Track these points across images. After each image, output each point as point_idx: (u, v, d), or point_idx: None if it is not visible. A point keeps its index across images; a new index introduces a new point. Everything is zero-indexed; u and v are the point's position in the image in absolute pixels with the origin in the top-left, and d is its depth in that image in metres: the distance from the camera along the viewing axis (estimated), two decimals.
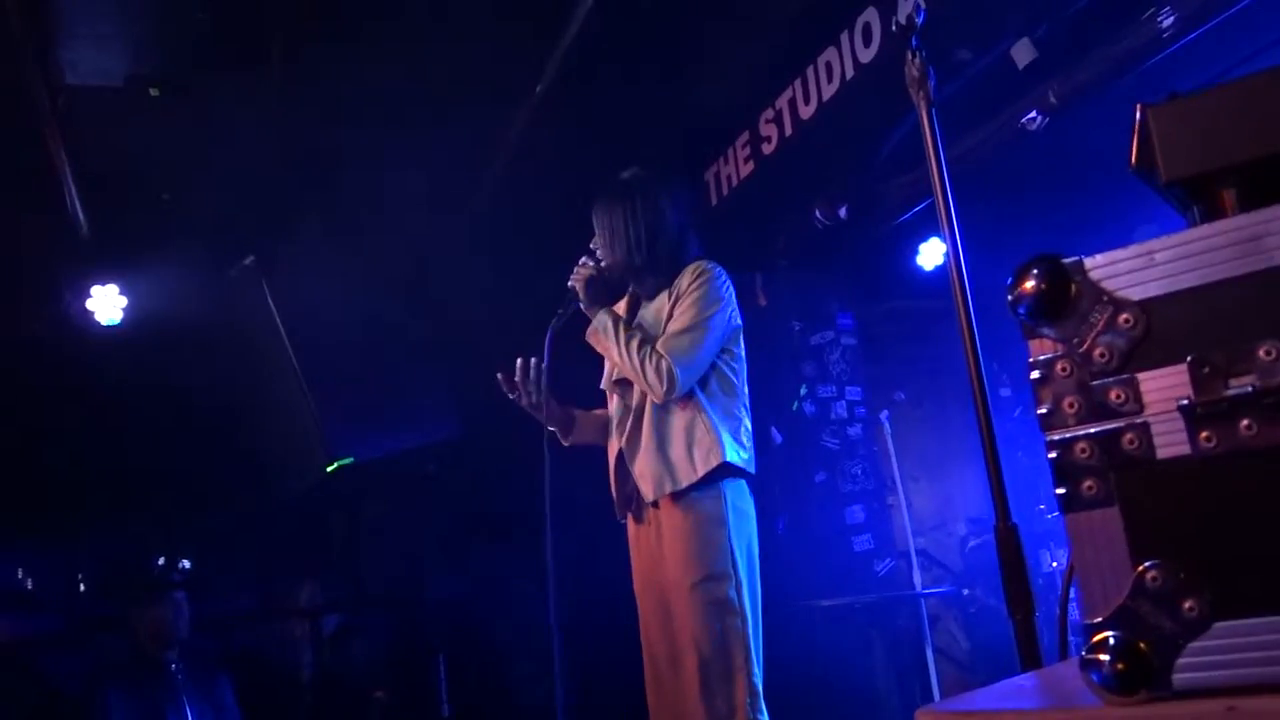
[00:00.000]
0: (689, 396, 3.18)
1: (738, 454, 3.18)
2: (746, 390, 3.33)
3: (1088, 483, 0.97)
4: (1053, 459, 1.00)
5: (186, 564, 5.70)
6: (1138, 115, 1.12)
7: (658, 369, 3.12)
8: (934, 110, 2.02)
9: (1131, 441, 0.96)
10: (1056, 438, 1.00)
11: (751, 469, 3.26)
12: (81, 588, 6.23)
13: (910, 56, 2.04)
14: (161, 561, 5.68)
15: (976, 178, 5.25)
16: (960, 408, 7.37)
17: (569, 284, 3.34)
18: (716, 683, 3.05)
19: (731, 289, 3.31)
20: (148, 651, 4.85)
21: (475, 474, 6.16)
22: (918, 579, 6.18)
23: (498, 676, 6.10)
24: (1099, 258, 0.98)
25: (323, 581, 6.38)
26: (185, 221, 5.45)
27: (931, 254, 6.54)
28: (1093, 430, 0.98)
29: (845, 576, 6.27)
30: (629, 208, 3.32)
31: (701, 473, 3.12)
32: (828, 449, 6.55)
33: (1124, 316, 0.96)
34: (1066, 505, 0.99)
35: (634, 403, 3.30)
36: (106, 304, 5.61)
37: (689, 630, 3.09)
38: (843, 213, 5.83)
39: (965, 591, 6.78)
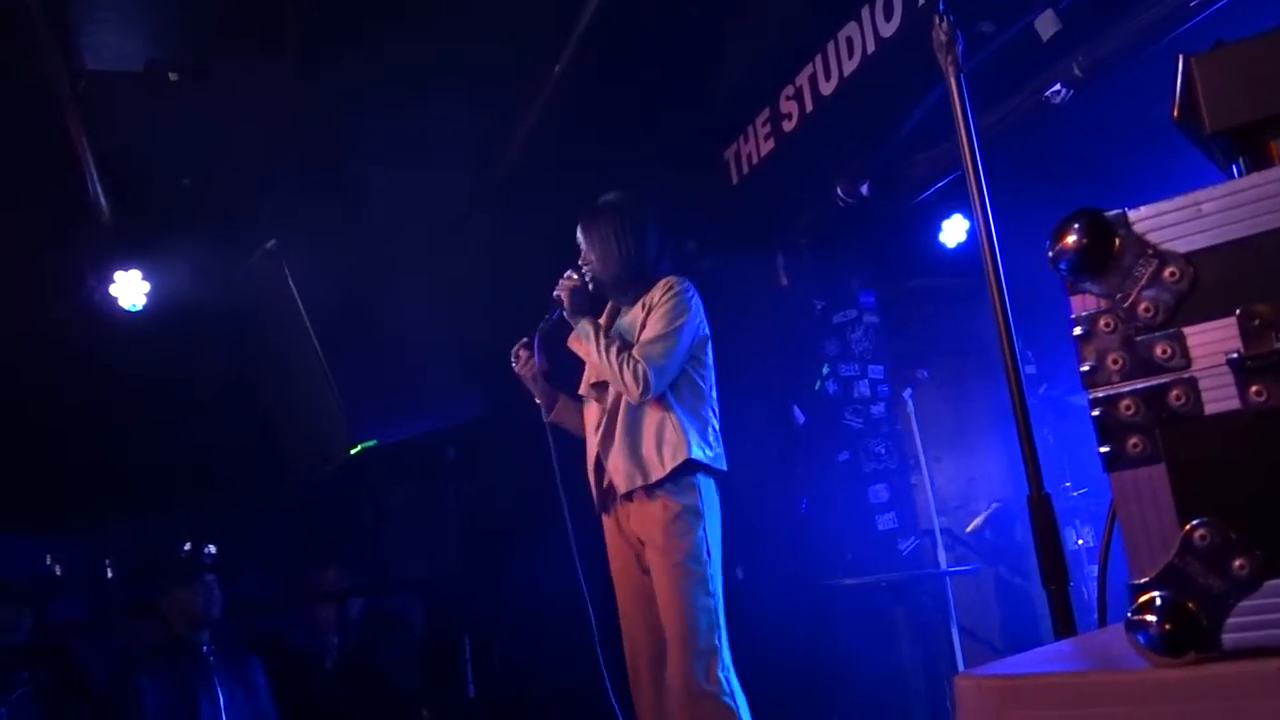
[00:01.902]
0: (660, 399, 3.47)
1: (703, 451, 3.45)
2: (714, 395, 3.62)
3: (1133, 440, 0.96)
4: (1096, 416, 0.98)
5: (213, 549, 5.71)
6: (1180, 66, 1.09)
7: (634, 372, 3.40)
8: (963, 76, 1.98)
9: (1178, 397, 0.94)
10: (1100, 395, 0.98)
11: (720, 465, 3.52)
12: (109, 574, 6.25)
13: (938, 21, 2.01)
14: (188, 546, 5.69)
15: (1000, 153, 5.20)
16: (983, 385, 7.32)
17: (554, 294, 3.65)
18: (696, 659, 3.30)
19: (699, 302, 3.62)
20: (179, 635, 4.89)
21: (496, 455, 6.16)
22: (942, 557, 6.16)
23: (523, 657, 6.10)
24: (1143, 209, 0.96)
25: (348, 565, 6.39)
26: (206, 205, 5.45)
27: (954, 231, 6.49)
28: (1138, 386, 0.95)
29: (869, 555, 6.25)
30: (618, 224, 3.65)
31: (669, 468, 3.39)
32: (851, 428, 6.52)
33: (1169, 270, 0.94)
34: (1111, 463, 0.97)
35: (609, 405, 3.57)
36: (129, 289, 5.63)
37: (671, 610, 3.35)
38: (865, 190, 5.79)
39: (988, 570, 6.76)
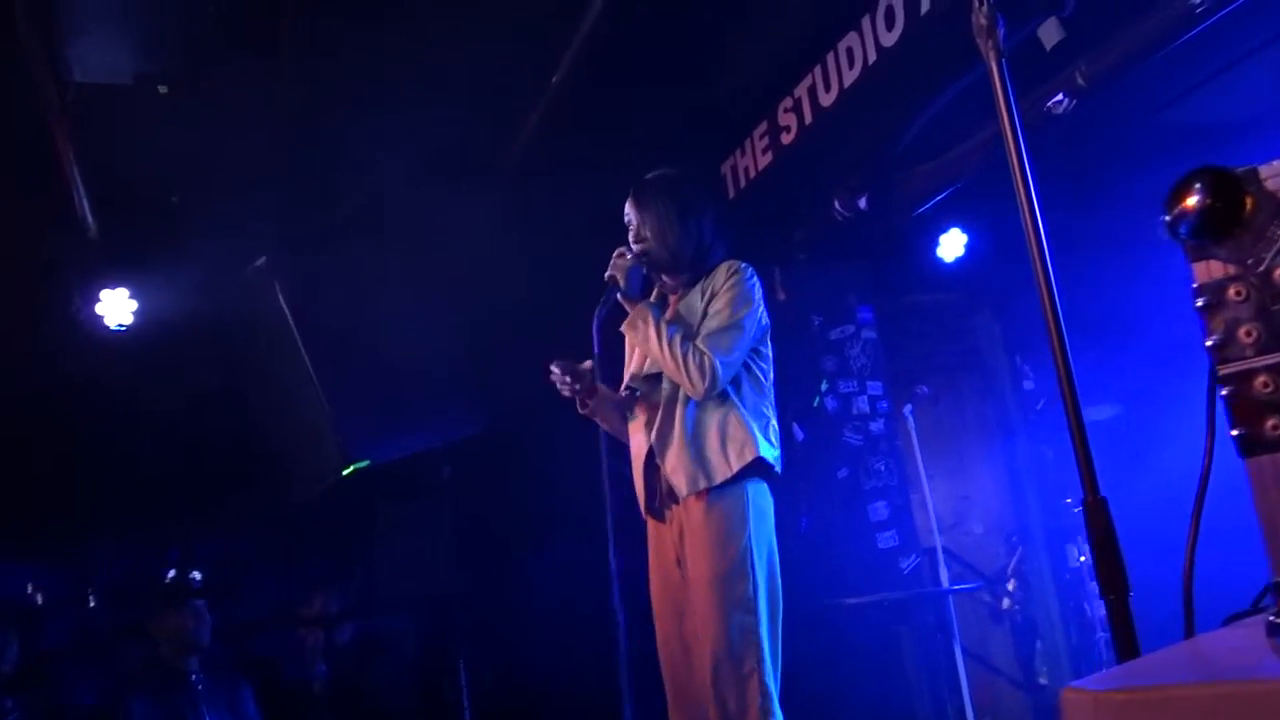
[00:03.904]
0: (722, 394, 3.21)
1: (770, 450, 3.22)
2: (773, 390, 3.37)
3: (1272, 420, 0.87)
4: (1226, 396, 0.89)
5: (197, 575, 5.59)
6: None
7: (700, 365, 3.14)
8: (1004, 61, 1.91)
9: None
10: (1231, 371, 0.89)
11: (779, 468, 3.28)
12: (91, 603, 6.13)
13: (977, 5, 1.93)
14: (172, 574, 5.57)
15: (1002, 166, 5.15)
16: (977, 402, 7.27)
17: (608, 275, 3.33)
18: (729, 681, 3.06)
19: (762, 289, 3.36)
20: (169, 660, 4.77)
21: (492, 473, 6.06)
22: (944, 576, 6.08)
23: (520, 681, 5.99)
24: (1277, 163, 0.87)
25: (338, 588, 6.27)
26: (195, 222, 5.34)
27: (952, 245, 6.45)
28: (1276, 360, 0.87)
29: (870, 574, 6.17)
30: (682, 201, 3.40)
31: (736, 468, 3.15)
32: (850, 445, 6.45)
33: None
34: (1245, 448, 0.89)
35: (663, 398, 3.30)
36: (116, 307, 5.51)
37: (706, 627, 3.12)
38: (862, 203, 5.73)
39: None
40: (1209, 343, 0.91)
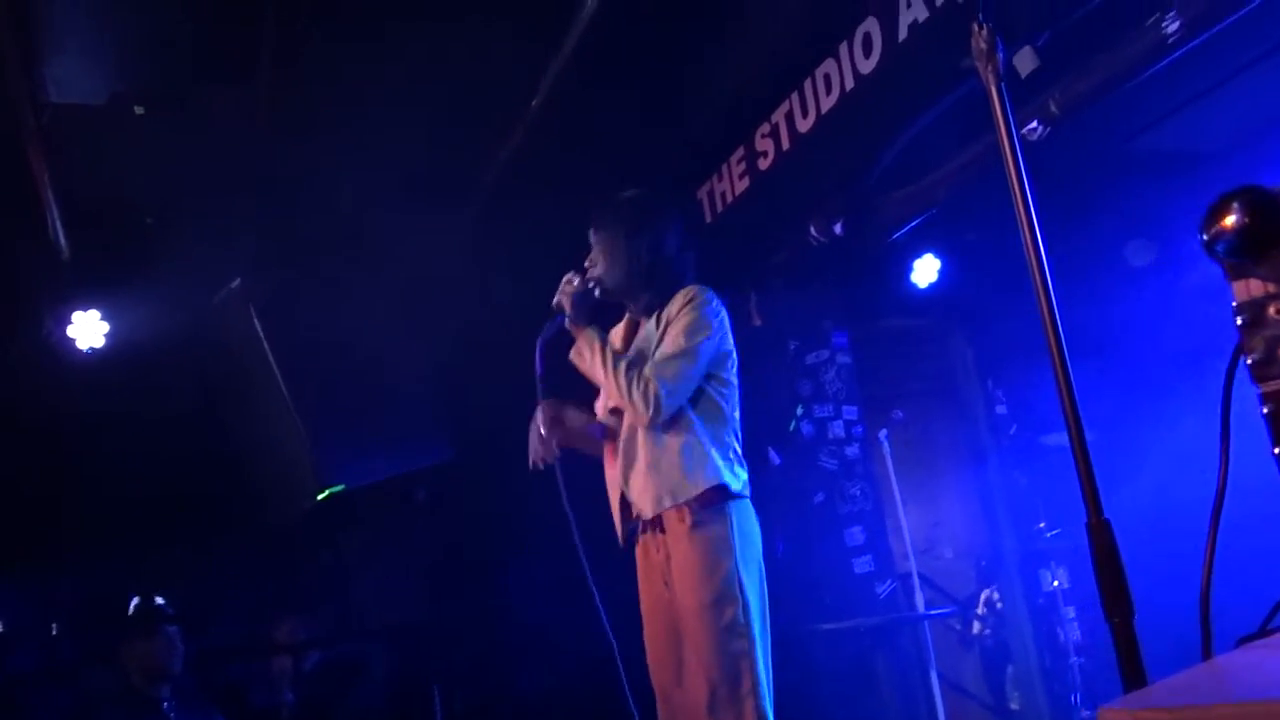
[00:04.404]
0: (682, 420, 3.17)
1: (732, 478, 3.17)
2: (738, 416, 3.31)
3: None
4: (1267, 414, 0.90)
5: (161, 600, 5.51)
6: None
7: (644, 392, 3.11)
8: (1004, 85, 1.92)
9: None
10: (1273, 388, 0.89)
11: (748, 492, 3.24)
12: (54, 631, 6.03)
13: (977, 29, 1.95)
14: (138, 600, 5.48)
15: (975, 192, 5.20)
16: (949, 427, 7.30)
17: (554, 301, 3.32)
18: (724, 707, 3.04)
19: (724, 315, 3.29)
20: (140, 688, 4.68)
21: (467, 499, 6.03)
22: (920, 601, 6.09)
23: (494, 709, 5.94)
24: None
25: (309, 614, 6.20)
26: (170, 243, 5.28)
27: (926, 271, 6.49)
28: None
29: (847, 599, 6.16)
30: (631, 226, 3.34)
31: (701, 488, 3.12)
32: (825, 469, 6.45)
33: None
34: None
35: (625, 428, 3.28)
36: (88, 329, 5.44)
37: (698, 653, 3.10)
38: (838, 229, 5.75)
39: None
40: (1249, 360, 0.91)
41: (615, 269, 3.32)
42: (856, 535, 6.43)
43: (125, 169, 4.92)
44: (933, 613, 6.09)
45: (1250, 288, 0.91)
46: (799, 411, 6.44)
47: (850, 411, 6.61)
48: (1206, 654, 1.28)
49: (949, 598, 6.96)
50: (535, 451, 3.30)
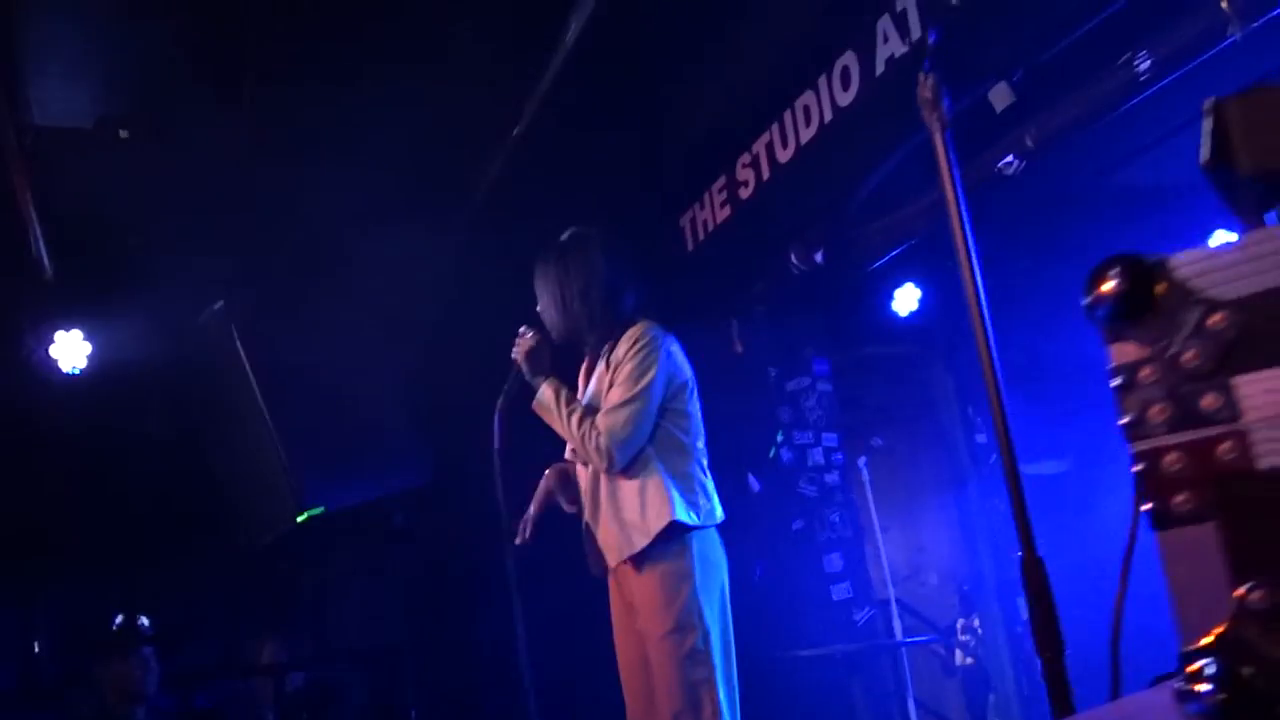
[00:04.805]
0: (640, 459, 3.21)
1: (688, 513, 3.18)
2: (701, 445, 3.34)
3: (1180, 496, 0.91)
4: (1139, 472, 0.94)
5: (145, 620, 5.51)
6: (1210, 111, 1.07)
7: (597, 444, 3.18)
8: (949, 133, 1.97)
9: (1229, 450, 0.90)
10: (1143, 448, 0.94)
11: (711, 521, 3.27)
12: (36, 649, 6.02)
13: (923, 78, 1.99)
14: (120, 619, 5.48)
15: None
16: (932, 454, 7.34)
17: (512, 356, 3.37)
18: None
19: (671, 349, 3.32)
20: (113, 710, 4.68)
21: (445, 523, 6.04)
22: (898, 628, 6.10)
23: None
24: (1186, 254, 0.93)
25: (287, 637, 6.19)
26: (152, 265, 5.31)
27: (906, 300, 6.54)
28: (1185, 439, 0.91)
29: (824, 626, 6.18)
30: (562, 268, 3.37)
31: (654, 532, 3.15)
32: (805, 496, 6.48)
33: (1216, 317, 0.91)
34: (1157, 521, 0.93)
35: (592, 473, 3.33)
36: (70, 350, 5.46)
37: (661, 681, 3.15)
38: (819, 258, 5.80)
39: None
40: (1123, 421, 0.95)
41: (555, 313, 3.36)
42: (835, 562, 6.45)
43: (108, 190, 4.96)
44: (911, 640, 6.10)
45: (1126, 351, 0.95)
46: (779, 438, 6.47)
47: (830, 439, 6.64)
48: (1115, 694, 1.32)
49: (930, 625, 6.97)
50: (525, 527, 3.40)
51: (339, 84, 4.74)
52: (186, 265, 5.26)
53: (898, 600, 6.20)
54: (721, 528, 3.32)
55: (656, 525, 3.15)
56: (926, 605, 7.04)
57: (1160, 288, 0.93)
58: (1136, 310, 0.93)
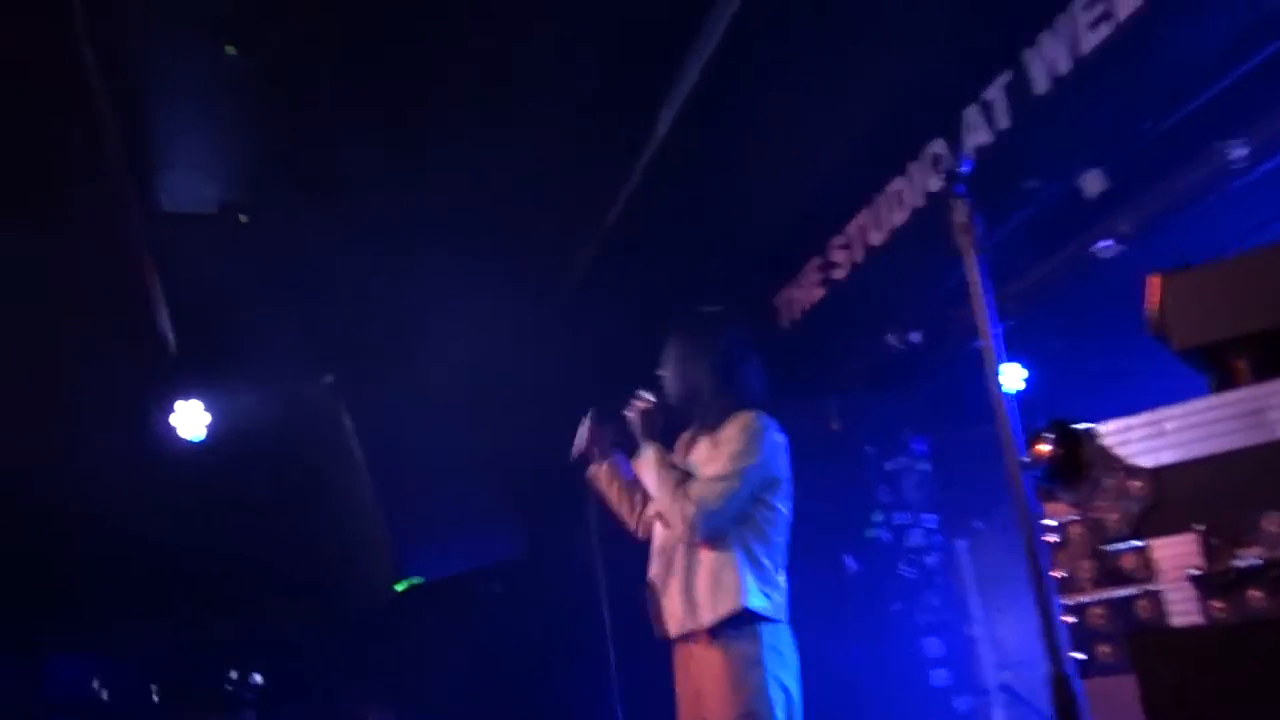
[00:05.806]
0: (722, 539, 3.21)
1: (760, 600, 3.18)
2: (782, 542, 3.33)
3: (1104, 648, 0.96)
4: (1069, 624, 0.99)
5: (259, 678, 5.70)
6: (1152, 285, 1.12)
7: (683, 513, 3.20)
8: (983, 257, 2.01)
9: (1145, 609, 0.94)
10: (1073, 602, 0.98)
11: (782, 616, 3.25)
12: (155, 698, 6.26)
13: (954, 202, 2.04)
14: (235, 675, 5.68)
15: (1052, 304, 5.21)
16: None
17: (624, 413, 3.45)
18: None
19: (777, 443, 3.33)
20: None
21: (541, 592, 6.12)
22: (1000, 718, 5.93)
23: None
24: (1111, 424, 0.98)
25: (389, 703, 6.32)
26: (268, 340, 5.58)
27: (1011, 379, 6.44)
28: (1108, 596, 0.96)
29: (920, 713, 6.05)
30: (699, 343, 3.44)
31: (721, 613, 3.15)
32: (904, 578, 6.37)
33: (1135, 483, 0.95)
34: (1084, 670, 0.97)
35: (671, 536, 3.35)
36: (190, 419, 5.76)
37: None
38: (916, 338, 5.79)
39: None
40: (1056, 575, 1.00)
41: (679, 382, 3.44)
42: (935, 646, 6.32)
43: (229, 271, 5.24)
44: None
45: (1058, 509, 1.00)
46: (876, 518, 6.41)
47: (930, 520, 6.53)
48: None
49: (1043, 715, 6.75)
50: (578, 446, 3.56)
51: (435, 171, 4.93)
52: (296, 341, 5.50)
53: (1009, 688, 6.03)
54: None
55: (725, 607, 3.14)
56: (1042, 692, 6.82)
57: (1086, 453, 0.98)
58: (1067, 473, 0.99)
